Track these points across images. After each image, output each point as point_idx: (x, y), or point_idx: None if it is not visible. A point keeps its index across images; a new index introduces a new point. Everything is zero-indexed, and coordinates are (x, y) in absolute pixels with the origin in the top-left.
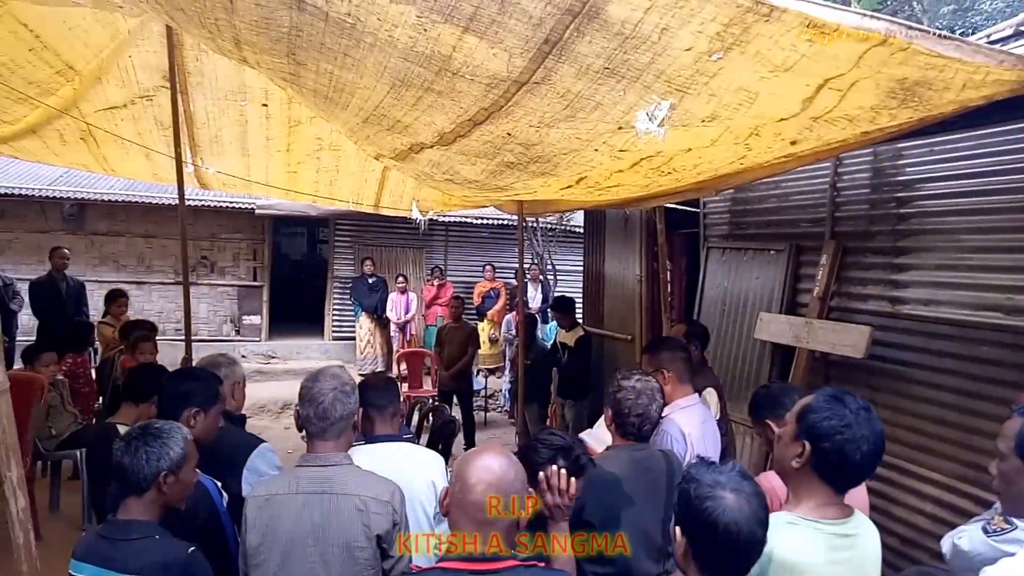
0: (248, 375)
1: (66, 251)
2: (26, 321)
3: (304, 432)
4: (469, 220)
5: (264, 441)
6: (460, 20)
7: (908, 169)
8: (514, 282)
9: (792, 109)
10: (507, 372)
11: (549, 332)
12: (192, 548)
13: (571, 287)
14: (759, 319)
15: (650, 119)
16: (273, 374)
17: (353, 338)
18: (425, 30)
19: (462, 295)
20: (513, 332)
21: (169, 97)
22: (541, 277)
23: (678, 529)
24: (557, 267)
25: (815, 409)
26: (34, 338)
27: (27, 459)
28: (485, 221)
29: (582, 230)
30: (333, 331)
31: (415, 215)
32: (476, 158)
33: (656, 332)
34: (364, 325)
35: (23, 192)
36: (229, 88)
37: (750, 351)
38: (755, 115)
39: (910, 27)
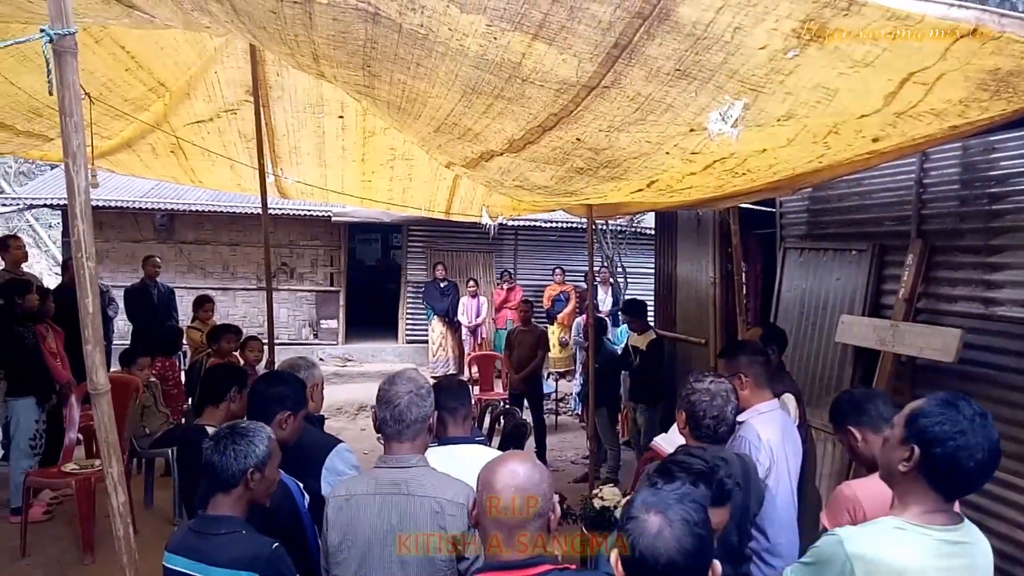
0: (325, 377)
1: (158, 259)
2: (121, 326)
3: (381, 434)
4: (538, 224)
5: (342, 441)
6: (529, 27)
7: (1001, 163)
8: (584, 285)
9: (874, 105)
10: (577, 376)
11: (620, 335)
12: (276, 544)
13: (642, 290)
14: (840, 322)
15: (723, 120)
16: (349, 377)
17: (426, 341)
18: (495, 38)
19: (531, 299)
20: (583, 336)
21: (252, 110)
22: (611, 280)
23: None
24: (627, 269)
25: (927, 413)
26: (128, 342)
27: (124, 457)
28: (554, 224)
29: (653, 231)
30: (407, 334)
31: (485, 220)
32: (545, 164)
33: (731, 336)
34: (436, 328)
35: (119, 204)
36: (308, 101)
37: (830, 355)
38: (834, 113)
39: (1003, 14)
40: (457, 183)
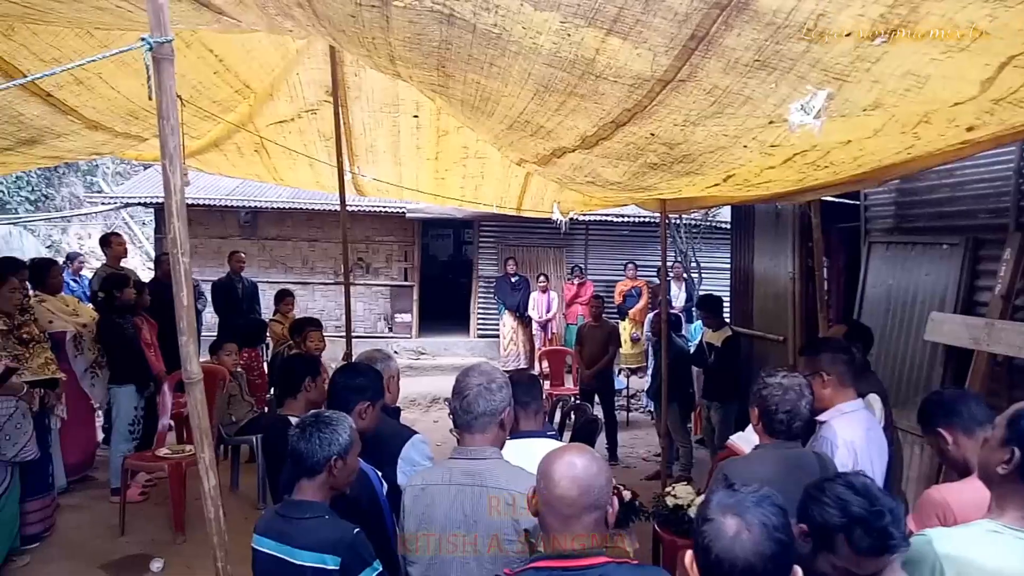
0: (399, 370)
1: (242, 255)
2: (209, 319)
3: (454, 424)
4: (610, 219)
5: (417, 432)
6: (604, 22)
7: None
8: (656, 280)
9: (968, 92)
10: (649, 372)
11: (694, 332)
12: (357, 529)
13: (717, 285)
14: (930, 319)
15: (805, 111)
16: (423, 370)
17: (497, 336)
18: (569, 35)
19: (602, 294)
20: (655, 332)
21: (331, 110)
22: (685, 275)
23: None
24: (702, 264)
25: None
26: (216, 334)
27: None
28: (626, 219)
29: (729, 226)
30: (478, 329)
31: (556, 216)
32: (618, 160)
33: (811, 333)
34: (507, 323)
35: (206, 202)
36: (384, 101)
37: (919, 354)
38: (925, 101)
39: None
40: (528, 180)
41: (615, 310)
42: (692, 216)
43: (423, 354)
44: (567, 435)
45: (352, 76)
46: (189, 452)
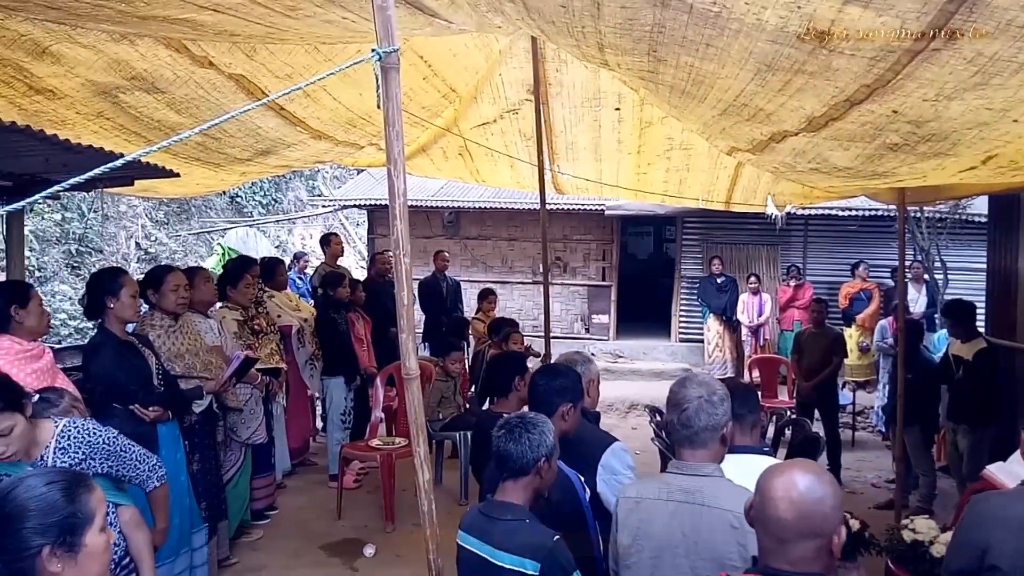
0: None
1: (446, 254)
2: (415, 315)
3: (669, 438)
4: (834, 212)
5: (617, 440)
6: None
7: None
8: (890, 282)
9: None
10: (881, 387)
11: (938, 342)
12: (557, 536)
13: (967, 289)
14: None
15: None
16: (620, 373)
17: (701, 340)
18: (799, 7)
19: (824, 297)
20: (889, 341)
21: (532, 109)
22: (926, 276)
23: None
24: (948, 264)
25: None
26: (421, 331)
27: None
28: (853, 212)
29: (985, 219)
30: (680, 332)
31: (770, 210)
32: (850, 142)
33: None
34: (712, 327)
35: (412, 203)
36: (585, 95)
37: None
38: None
39: None
40: (739, 171)
41: (839, 315)
42: (937, 208)
43: (621, 357)
44: (782, 452)
45: (554, 72)
46: (399, 444)
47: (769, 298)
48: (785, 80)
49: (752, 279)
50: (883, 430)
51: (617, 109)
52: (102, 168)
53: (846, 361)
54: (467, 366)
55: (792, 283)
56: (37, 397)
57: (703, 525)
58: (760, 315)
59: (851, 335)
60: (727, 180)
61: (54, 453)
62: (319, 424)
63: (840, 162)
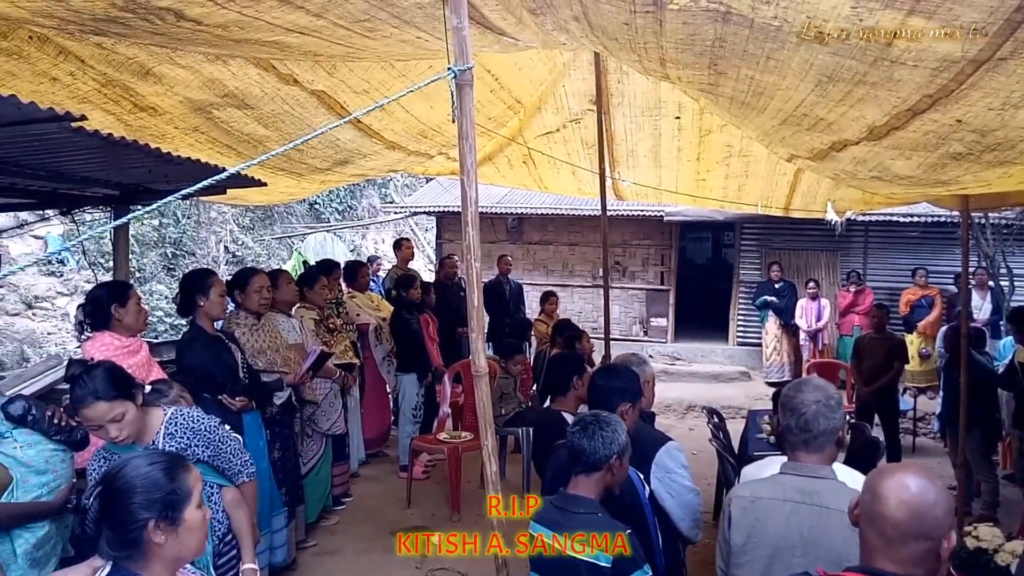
0: (654, 375)
1: (509, 258)
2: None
3: (784, 441)
4: (895, 218)
5: (672, 439)
6: (904, 3)
7: None
8: (953, 289)
9: None
10: (942, 393)
11: (1003, 349)
12: (629, 530)
13: None
14: None
15: None
16: (678, 375)
17: (759, 344)
18: (861, 20)
19: (885, 303)
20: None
21: (594, 118)
22: (991, 283)
23: None
24: (1014, 271)
25: None
26: (486, 331)
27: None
28: (915, 219)
29: None
30: (738, 336)
31: (830, 216)
32: (912, 151)
33: None
34: (770, 331)
35: (479, 210)
36: (646, 105)
37: None
38: None
39: None
40: (799, 177)
41: (900, 322)
42: (1002, 215)
43: (678, 360)
44: (841, 456)
45: (615, 83)
46: (465, 438)
47: (828, 303)
48: (846, 91)
49: (811, 284)
50: (942, 435)
51: (677, 118)
52: (210, 180)
53: (907, 367)
54: (529, 365)
55: (852, 288)
56: (150, 388)
57: (822, 527)
58: (819, 320)
59: (912, 341)
60: (786, 186)
61: (163, 439)
62: (392, 418)
63: (902, 171)
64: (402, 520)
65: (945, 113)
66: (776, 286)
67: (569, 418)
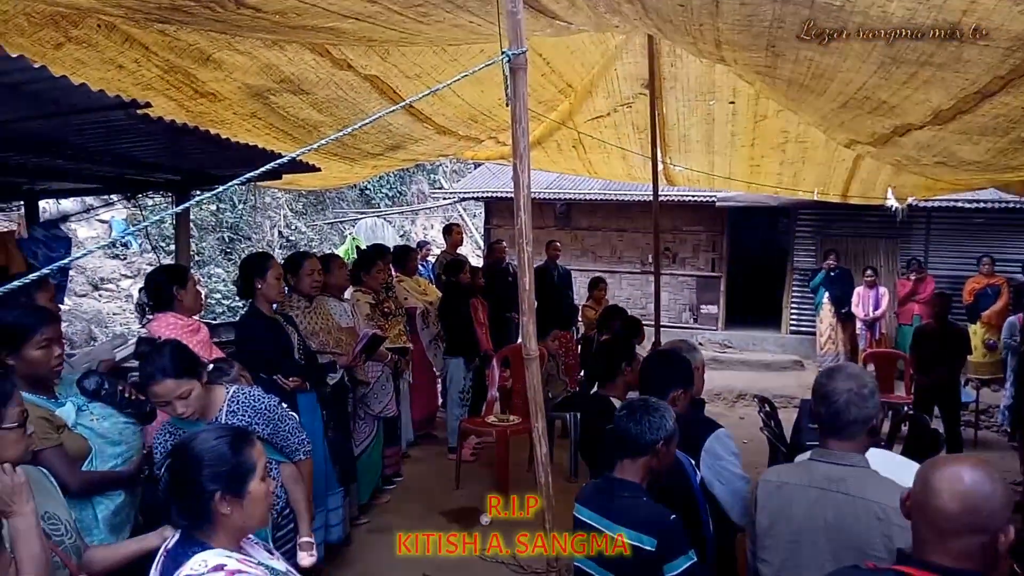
0: (704, 363)
1: (558, 244)
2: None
3: (817, 427)
4: (959, 204)
5: (722, 426)
6: None
7: None
8: (1021, 277)
9: None
10: (1008, 385)
11: None
12: (675, 516)
13: None
14: None
15: None
16: (728, 363)
17: (813, 333)
18: None
19: (947, 291)
20: (1017, 338)
21: (646, 103)
22: None
23: None
24: None
25: None
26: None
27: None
28: (980, 205)
29: None
30: (791, 324)
31: (891, 203)
32: (980, 136)
33: None
34: (825, 320)
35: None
36: (699, 89)
37: None
38: None
39: None
40: (858, 164)
41: (963, 311)
42: None
43: (729, 347)
44: (897, 448)
45: (668, 67)
46: (513, 421)
47: (887, 291)
48: (911, 72)
49: (868, 272)
50: (1008, 430)
51: (731, 103)
52: (269, 165)
53: (970, 358)
54: (577, 350)
55: (912, 276)
56: (212, 366)
57: (847, 514)
58: (876, 309)
59: (976, 332)
60: (844, 172)
61: (225, 416)
62: (439, 400)
63: (969, 156)
64: (451, 500)
65: (1017, 96)
66: (832, 274)
67: (617, 404)
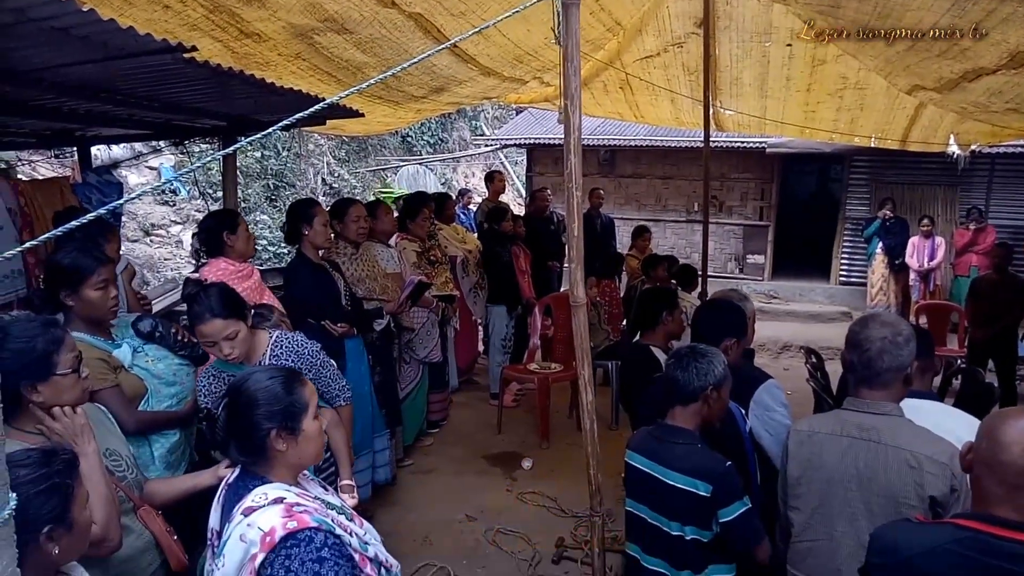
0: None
1: (601, 191)
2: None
3: (851, 375)
4: None
5: (771, 377)
6: None
7: None
8: None
9: None
10: None
11: None
12: (729, 463)
13: None
14: None
15: None
16: (774, 314)
17: (863, 284)
18: None
19: (1010, 242)
20: None
21: (697, 43)
22: None
23: None
24: None
25: None
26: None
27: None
28: None
29: None
30: (840, 275)
31: (952, 150)
32: None
33: None
34: (878, 270)
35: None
36: (755, 30)
37: None
38: None
39: None
40: (920, 111)
41: None
42: None
43: (775, 298)
44: (949, 401)
45: (723, 5)
46: (554, 369)
47: (943, 241)
48: (988, 9)
49: (925, 221)
50: None
51: (789, 45)
52: (313, 108)
53: None
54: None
55: (972, 226)
56: (253, 311)
57: (879, 463)
58: (931, 259)
59: None
60: (905, 119)
61: (268, 360)
62: (480, 347)
63: None
64: (493, 445)
65: None
66: (887, 224)
67: (657, 352)
